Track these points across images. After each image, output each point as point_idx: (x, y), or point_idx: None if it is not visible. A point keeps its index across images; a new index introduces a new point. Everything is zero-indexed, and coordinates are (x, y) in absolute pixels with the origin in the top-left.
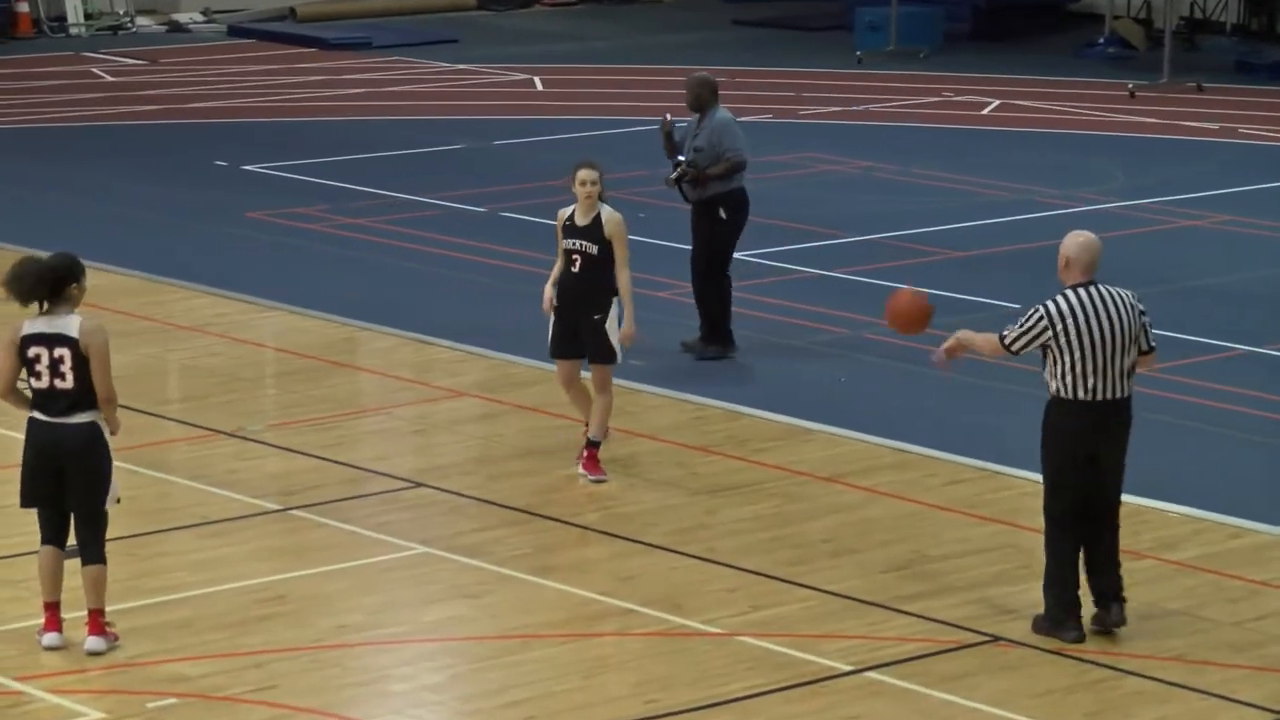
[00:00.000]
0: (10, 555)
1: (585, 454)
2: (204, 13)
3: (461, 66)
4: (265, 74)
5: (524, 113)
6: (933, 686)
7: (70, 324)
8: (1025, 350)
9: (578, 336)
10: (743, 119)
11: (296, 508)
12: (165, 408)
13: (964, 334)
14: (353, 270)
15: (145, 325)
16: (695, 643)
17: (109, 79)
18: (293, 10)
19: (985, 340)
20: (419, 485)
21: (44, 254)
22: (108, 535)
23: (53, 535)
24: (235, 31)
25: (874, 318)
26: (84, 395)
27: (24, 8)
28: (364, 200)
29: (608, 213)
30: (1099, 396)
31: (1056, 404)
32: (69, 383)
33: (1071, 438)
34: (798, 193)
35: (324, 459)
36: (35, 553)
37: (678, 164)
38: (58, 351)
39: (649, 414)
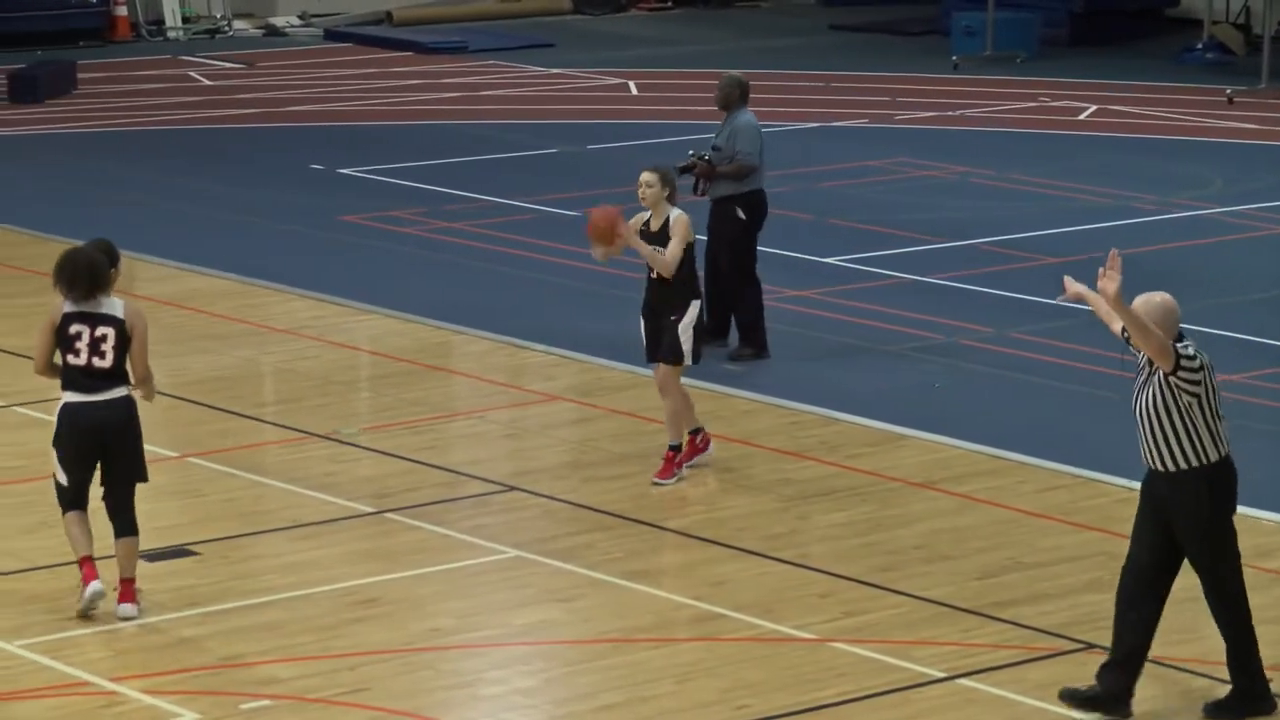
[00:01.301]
0: (99, 558)
1: (665, 455)
2: (301, 16)
3: (556, 71)
4: (361, 78)
5: (618, 117)
6: (1026, 694)
7: (115, 305)
8: (1184, 385)
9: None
10: (838, 123)
11: (390, 510)
12: (261, 410)
13: (1127, 307)
14: (447, 274)
15: (241, 328)
16: (787, 648)
17: (206, 82)
18: (389, 14)
19: (1153, 332)
20: (512, 489)
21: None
22: (211, 536)
23: (79, 501)
24: (332, 35)
25: (970, 323)
26: (120, 373)
27: (123, 11)
28: (459, 204)
29: (675, 214)
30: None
31: (1224, 467)
32: (108, 361)
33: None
34: (893, 197)
35: (418, 462)
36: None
37: (690, 156)
38: (100, 330)
39: (742, 419)
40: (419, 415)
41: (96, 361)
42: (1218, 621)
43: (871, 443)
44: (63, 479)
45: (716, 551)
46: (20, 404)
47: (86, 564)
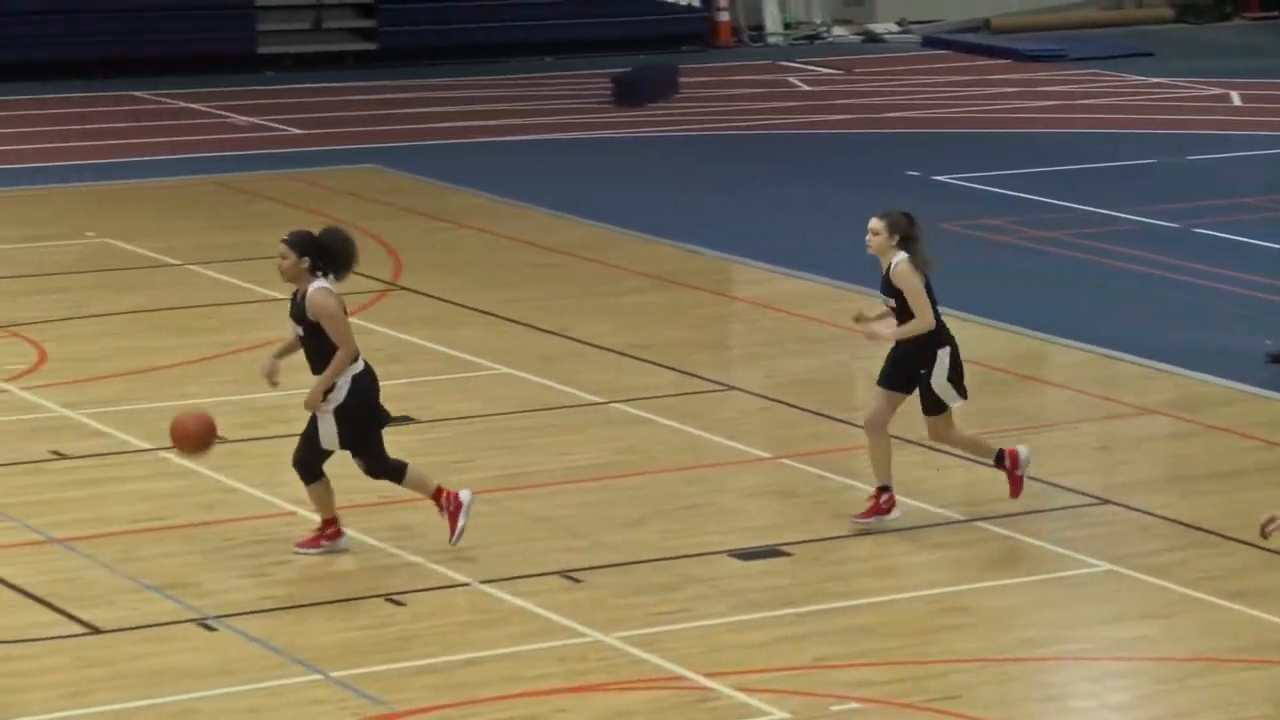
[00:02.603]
0: (708, 553)
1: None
2: (899, 23)
3: (1155, 80)
4: (958, 84)
5: (1220, 128)
6: None
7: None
8: None
9: (904, 377)
10: None
11: (980, 519)
12: (852, 414)
13: None
14: (1041, 283)
15: (834, 332)
16: None
17: (804, 88)
18: (987, 21)
19: None
20: (1105, 502)
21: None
22: (804, 538)
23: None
24: (929, 42)
25: None
26: None
27: (724, 17)
28: (1054, 213)
29: (897, 261)
30: None
31: None
32: None
33: None
34: None
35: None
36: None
37: None
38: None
39: None
40: (1011, 424)
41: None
42: None
43: None
44: (335, 446)
45: None
46: (620, 400)
47: (443, 493)
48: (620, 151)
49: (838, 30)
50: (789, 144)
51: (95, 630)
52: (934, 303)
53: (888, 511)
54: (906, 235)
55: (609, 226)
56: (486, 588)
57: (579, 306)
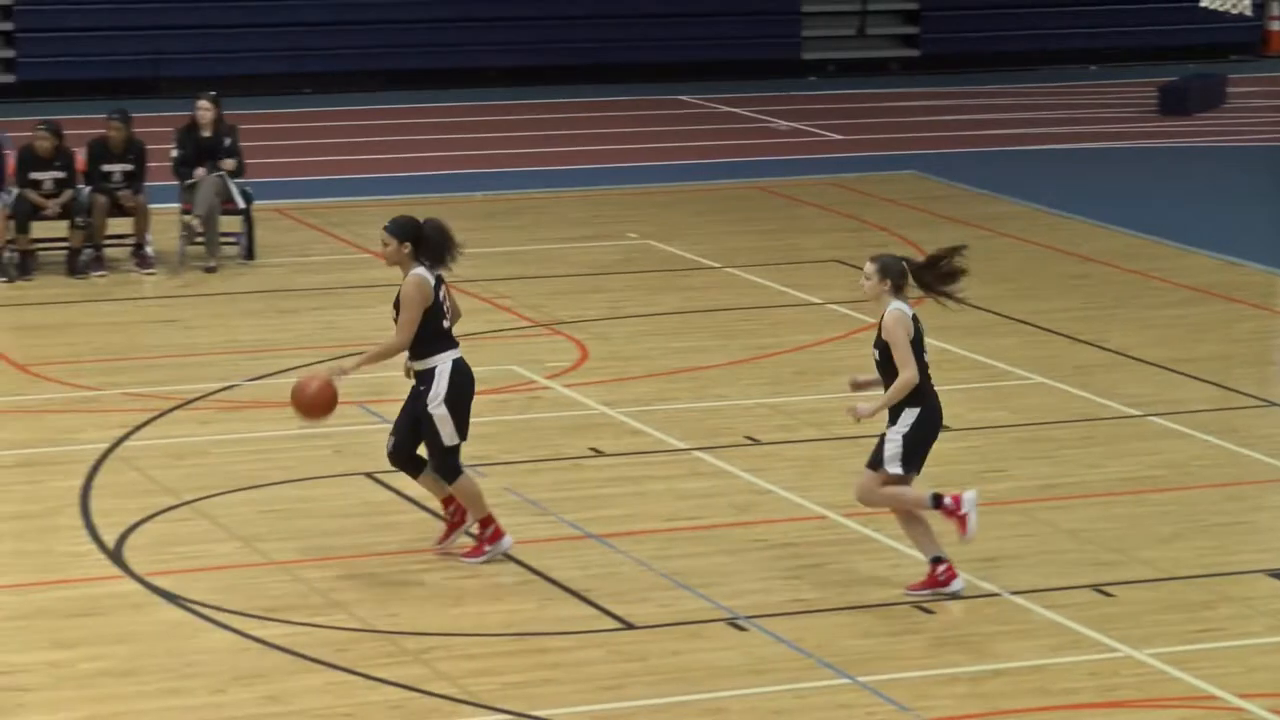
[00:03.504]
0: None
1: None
2: None
3: None
4: None
5: None
6: None
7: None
8: None
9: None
10: None
11: None
12: None
13: None
14: None
15: None
16: None
17: None
18: None
19: None
20: None
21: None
22: None
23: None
24: None
25: None
26: None
27: (1276, 26)
28: None
29: (888, 313)
30: None
31: None
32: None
33: None
34: None
35: None
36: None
37: None
38: (442, 290)
39: None
40: None
41: (452, 318)
42: None
43: None
44: (457, 439)
45: None
46: (1157, 414)
47: (493, 521)
48: (1164, 161)
49: None
50: None
51: (629, 626)
52: (921, 360)
53: (946, 583)
54: (900, 282)
55: (1148, 236)
56: (1016, 599)
57: (1116, 317)
